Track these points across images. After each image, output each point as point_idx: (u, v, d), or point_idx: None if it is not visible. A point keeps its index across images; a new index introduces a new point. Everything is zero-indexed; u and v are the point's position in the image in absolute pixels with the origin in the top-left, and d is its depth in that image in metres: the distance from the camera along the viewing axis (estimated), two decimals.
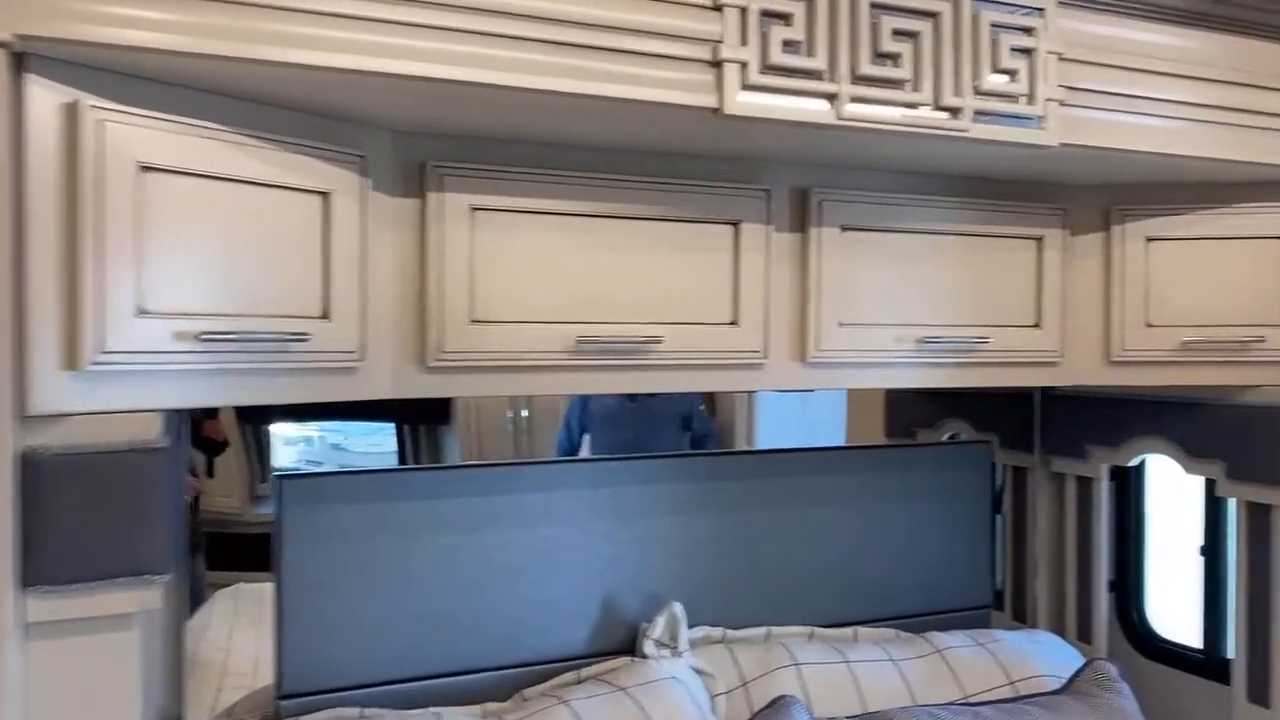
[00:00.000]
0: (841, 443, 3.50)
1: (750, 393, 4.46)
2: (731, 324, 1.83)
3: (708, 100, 1.48)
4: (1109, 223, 2.10)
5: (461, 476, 2.04)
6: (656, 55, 1.45)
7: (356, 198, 1.51)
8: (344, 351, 1.50)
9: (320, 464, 6.15)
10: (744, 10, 1.47)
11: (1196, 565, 2.38)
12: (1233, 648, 2.23)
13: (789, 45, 1.51)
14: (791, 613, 2.21)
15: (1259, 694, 2.13)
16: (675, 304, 1.77)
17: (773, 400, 4.58)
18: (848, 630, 2.24)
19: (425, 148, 1.60)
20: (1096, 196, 2.09)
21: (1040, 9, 1.67)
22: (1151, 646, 2.49)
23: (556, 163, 1.67)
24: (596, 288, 1.70)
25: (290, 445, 6.29)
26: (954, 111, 1.62)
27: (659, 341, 1.73)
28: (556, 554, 1.99)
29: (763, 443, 4.75)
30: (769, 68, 1.50)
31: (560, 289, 1.68)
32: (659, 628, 1.96)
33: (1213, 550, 2.35)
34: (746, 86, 1.49)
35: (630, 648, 2.00)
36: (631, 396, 4.30)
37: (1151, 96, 1.79)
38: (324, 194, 1.47)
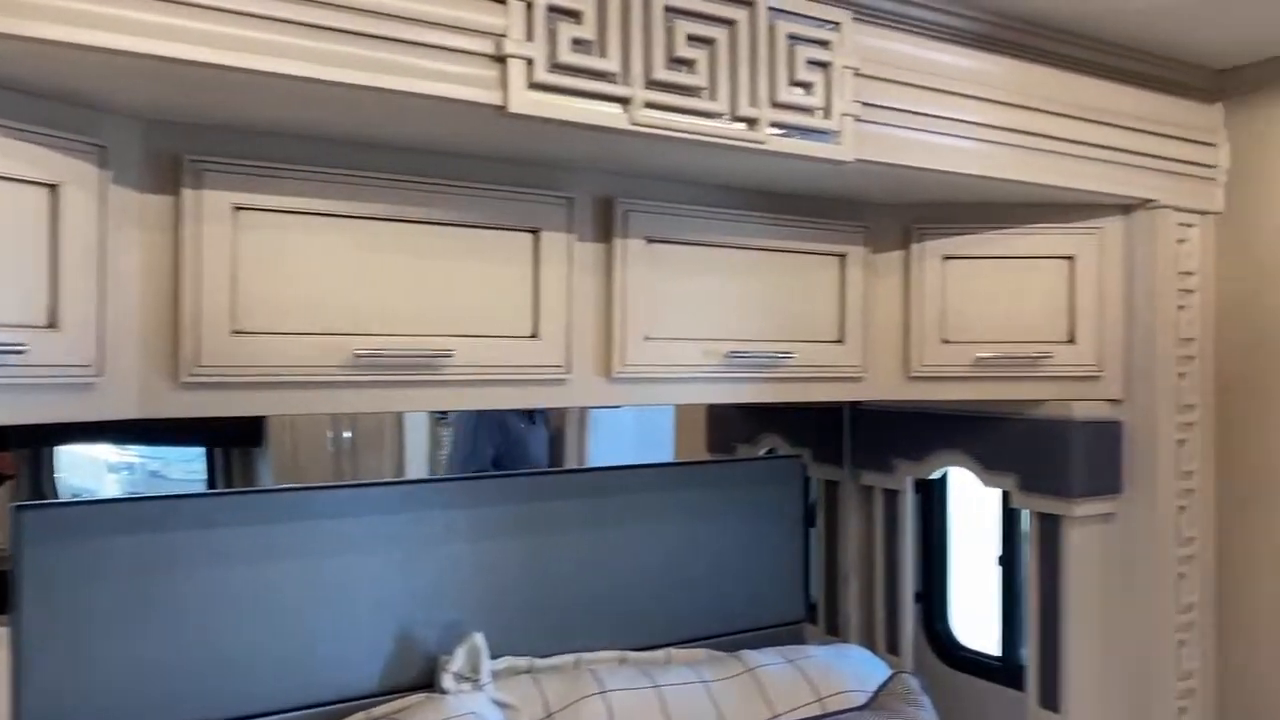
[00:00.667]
0: (671, 458, 3.47)
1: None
2: (532, 337, 1.75)
3: (491, 97, 1.39)
4: (908, 241, 2.13)
5: (240, 503, 1.86)
6: (436, 47, 1.35)
7: (94, 192, 1.34)
8: (75, 366, 1.33)
9: (140, 493, 5.67)
10: (530, 4, 1.39)
11: (997, 575, 2.45)
12: (1027, 654, 2.30)
13: (579, 44, 1.44)
14: (604, 637, 2.13)
15: (1049, 699, 2.20)
16: (468, 316, 1.67)
17: (607, 415, 4.52)
18: (660, 653, 2.18)
19: (181, 140, 1.44)
20: (897, 215, 2.13)
21: (836, 23, 1.67)
22: (955, 656, 2.55)
23: (334, 160, 1.54)
24: (378, 297, 1.58)
25: (113, 473, 5.78)
26: (751, 123, 1.59)
27: (449, 355, 1.63)
28: (349, 584, 1.85)
29: (596, 459, 4.68)
30: (557, 66, 1.42)
31: (336, 298, 1.54)
32: (459, 660, 1.85)
33: (1009, 560, 2.42)
34: (533, 85, 1.41)
35: (430, 682, 1.87)
36: None
37: (945, 116, 1.82)
38: (51, 186, 1.30)
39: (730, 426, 2.93)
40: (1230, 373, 2.25)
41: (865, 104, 1.72)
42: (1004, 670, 2.40)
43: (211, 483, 5.18)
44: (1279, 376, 2.17)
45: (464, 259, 1.67)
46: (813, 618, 2.69)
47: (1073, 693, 2.15)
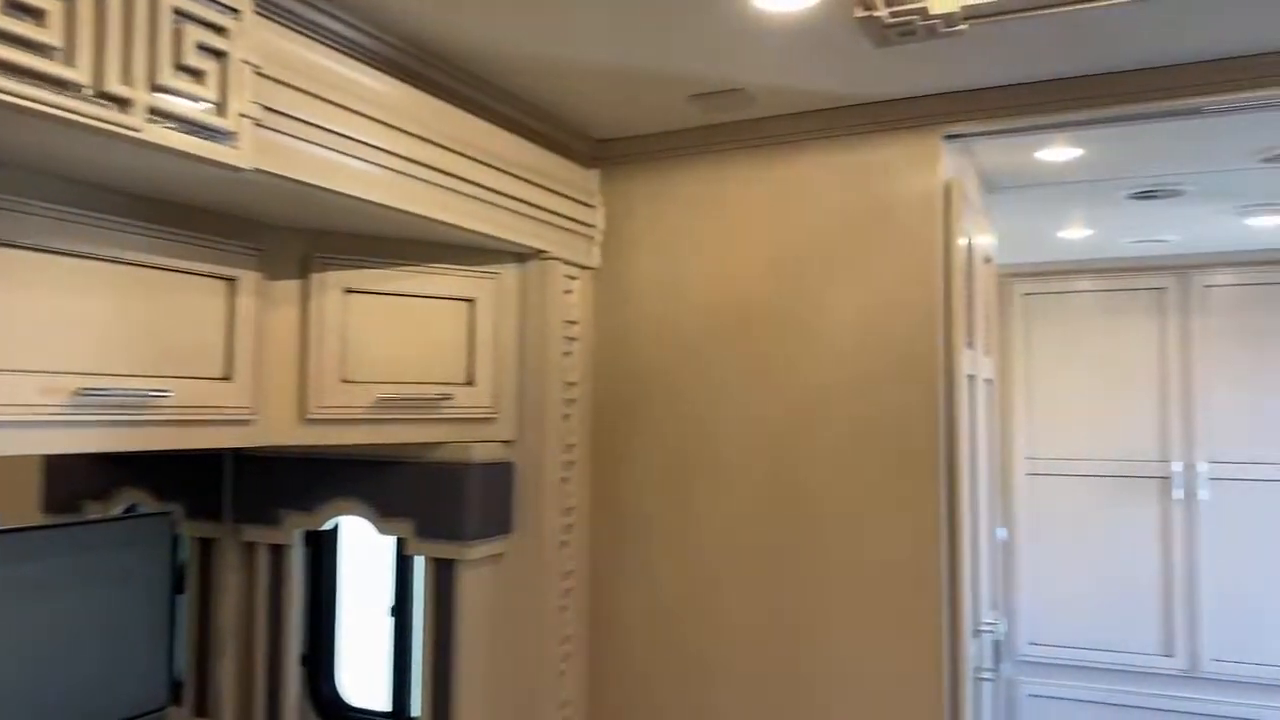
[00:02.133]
0: None
1: None
2: None
3: None
4: (308, 270, 1.94)
5: None
6: None
7: None
8: None
9: None
10: None
11: (389, 627, 2.34)
12: (418, 705, 2.22)
13: None
14: None
15: None
16: None
17: None
18: None
19: None
20: (296, 241, 1.93)
21: (236, 10, 1.43)
22: (342, 717, 2.38)
23: None
24: None
25: None
26: (123, 104, 1.28)
27: None
28: None
29: None
30: None
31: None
32: None
33: (401, 609, 2.33)
34: None
35: None
36: None
37: (353, 137, 1.68)
38: None
39: (75, 480, 2.42)
40: (604, 413, 2.45)
41: (268, 109, 1.50)
42: None
43: None
44: (644, 415, 2.42)
45: None
46: (179, 698, 2.31)
47: None
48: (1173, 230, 3.49)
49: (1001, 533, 2.99)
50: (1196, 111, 2.02)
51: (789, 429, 2.28)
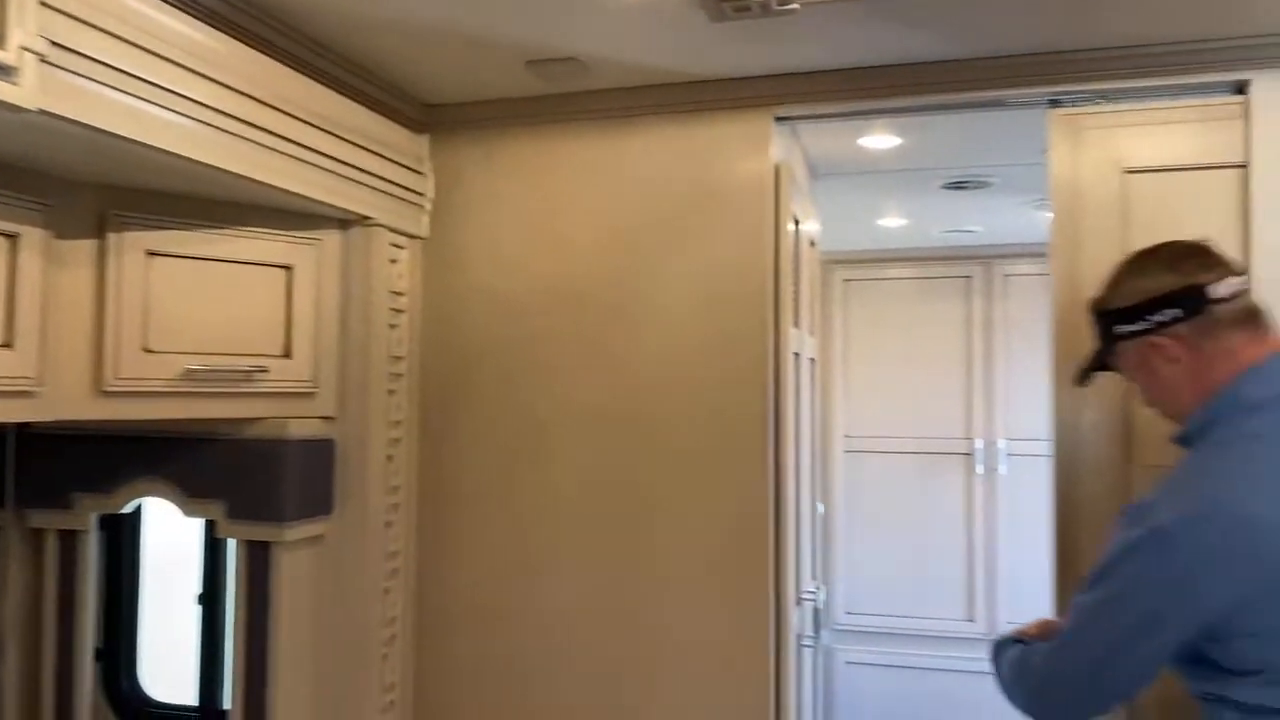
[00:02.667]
0: None
1: None
2: None
3: None
4: (105, 229, 1.78)
5: None
6: None
7: None
8: None
9: None
10: None
11: (197, 615, 2.20)
12: (229, 698, 2.09)
13: None
14: None
15: None
16: None
17: None
18: None
19: None
20: (91, 196, 1.76)
21: None
22: (144, 713, 2.22)
23: None
24: None
25: None
26: None
27: None
28: None
29: None
30: None
31: None
32: None
33: (211, 597, 2.19)
34: None
35: None
36: None
37: (158, 84, 1.54)
38: None
39: None
40: (432, 389, 2.38)
41: (58, 45, 1.36)
42: (204, 719, 2.16)
43: None
44: (474, 391, 2.36)
45: None
46: None
47: None
48: (980, 221, 3.72)
49: (820, 507, 3.11)
50: (999, 104, 2.14)
51: (620, 406, 2.27)
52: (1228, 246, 1.53)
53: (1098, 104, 2.07)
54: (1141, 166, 2.04)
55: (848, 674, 4.33)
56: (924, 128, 2.46)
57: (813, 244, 2.79)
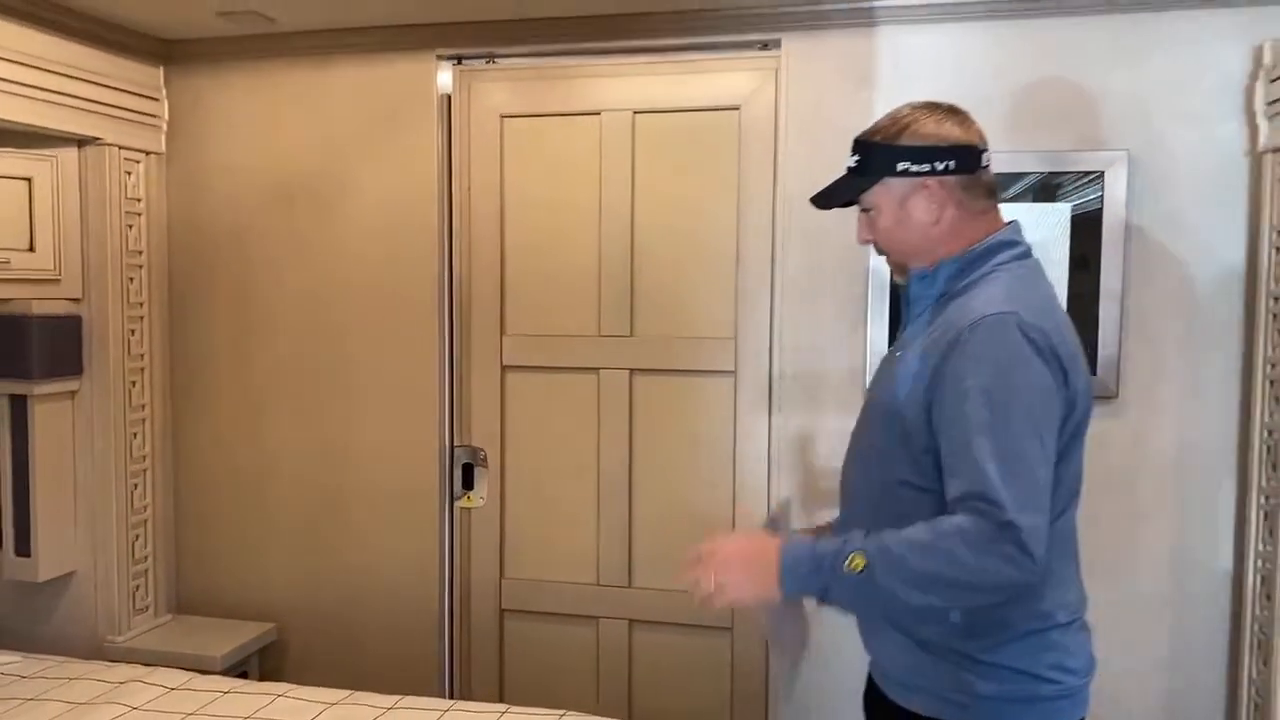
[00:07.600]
0: None
1: None
2: None
3: None
4: None
5: None
6: None
7: None
8: None
9: None
10: None
11: None
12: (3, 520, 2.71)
13: None
14: None
15: (23, 548, 2.66)
16: None
17: None
18: None
19: None
20: None
21: None
22: None
23: None
24: None
25: None
26: None
27: None
28: None
29: None
30: None
31: None
32: None
33: None
34: None
35: None
36: None
37: None
38: None
39: None
40: (181, 278, 2.94)
41: None
42: None
43: None
44: (214, 278, 2.92)
45: None
46: None
47: (42, 537, 2.65)
48: None
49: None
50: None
51: (323, 287, 2.84)
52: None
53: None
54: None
55: None
56: None
57: None
